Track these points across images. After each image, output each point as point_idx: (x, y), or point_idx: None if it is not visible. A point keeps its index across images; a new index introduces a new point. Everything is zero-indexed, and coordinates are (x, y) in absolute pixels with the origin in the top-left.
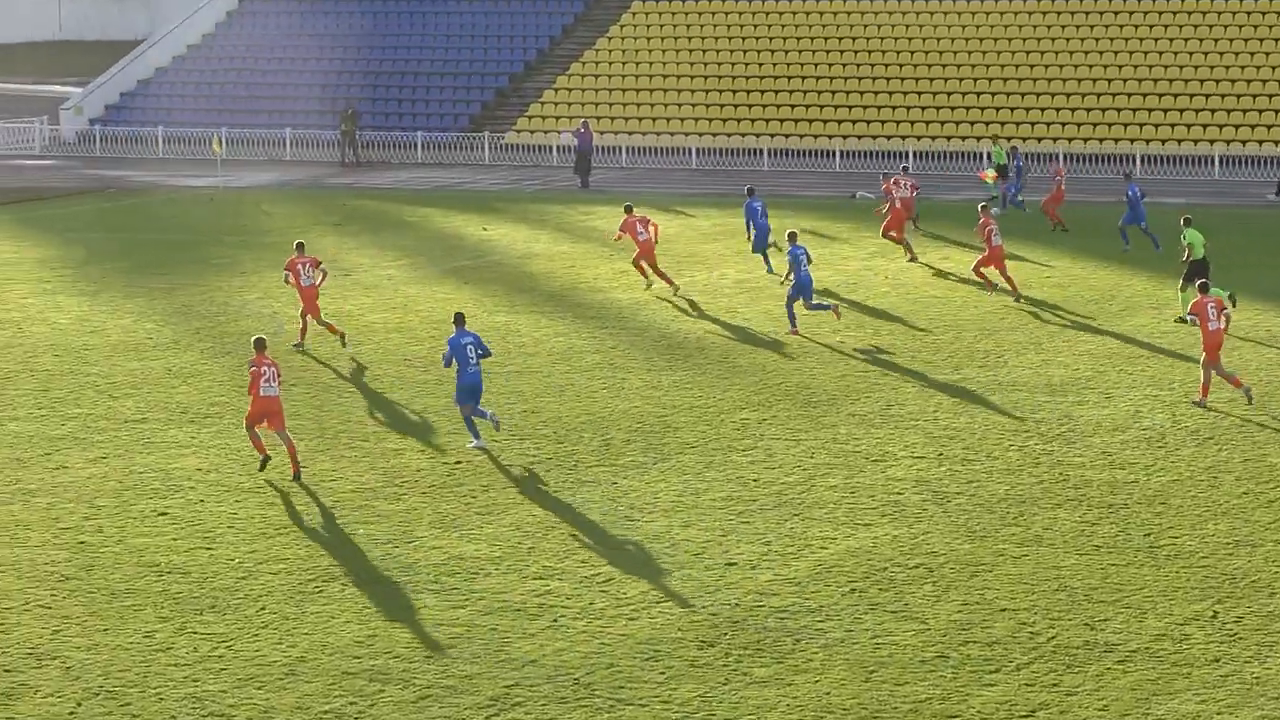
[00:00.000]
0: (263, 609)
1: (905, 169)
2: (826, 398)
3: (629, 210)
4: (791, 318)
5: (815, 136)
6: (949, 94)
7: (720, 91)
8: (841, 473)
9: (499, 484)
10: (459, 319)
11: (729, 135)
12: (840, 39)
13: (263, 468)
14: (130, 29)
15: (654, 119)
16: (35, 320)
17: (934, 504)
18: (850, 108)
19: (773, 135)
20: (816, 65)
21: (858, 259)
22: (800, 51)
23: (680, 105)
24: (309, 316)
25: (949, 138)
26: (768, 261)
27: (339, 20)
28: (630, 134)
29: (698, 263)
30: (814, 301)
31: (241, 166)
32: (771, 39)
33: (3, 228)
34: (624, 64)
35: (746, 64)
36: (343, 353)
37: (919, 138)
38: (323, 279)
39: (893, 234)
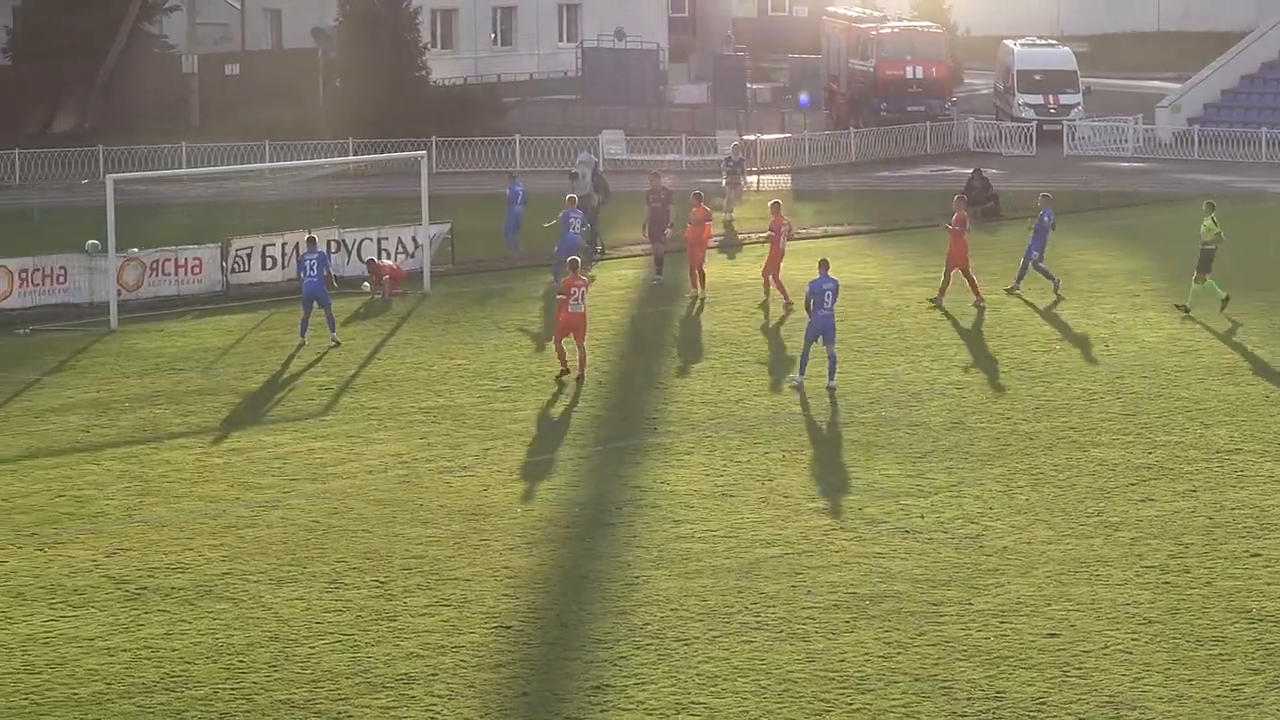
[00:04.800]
0: None
1: None
2: None
3: None
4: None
5: None
6: None
7: None
8: None
9: None
10: (823, 264)
11: None
12: None
13: (559, 378)
14: (1236, 19)
15: None
16: (1123, 338)
17: None
18: None
19: None
20: None
21: None
22: None
23: None
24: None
25: None
26: None
27: None
28: None
29: None
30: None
31: None
32: None
33: (1092, 235)
34: None
35: None
36: None
37: None
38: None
39: None
